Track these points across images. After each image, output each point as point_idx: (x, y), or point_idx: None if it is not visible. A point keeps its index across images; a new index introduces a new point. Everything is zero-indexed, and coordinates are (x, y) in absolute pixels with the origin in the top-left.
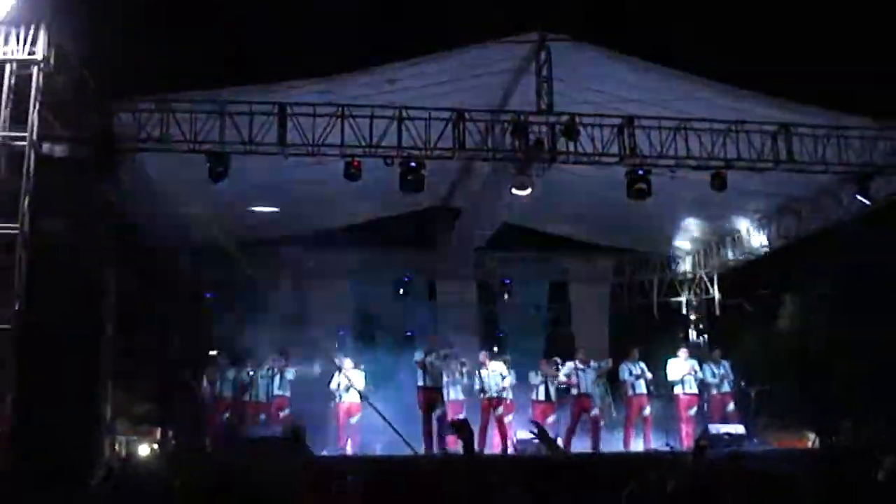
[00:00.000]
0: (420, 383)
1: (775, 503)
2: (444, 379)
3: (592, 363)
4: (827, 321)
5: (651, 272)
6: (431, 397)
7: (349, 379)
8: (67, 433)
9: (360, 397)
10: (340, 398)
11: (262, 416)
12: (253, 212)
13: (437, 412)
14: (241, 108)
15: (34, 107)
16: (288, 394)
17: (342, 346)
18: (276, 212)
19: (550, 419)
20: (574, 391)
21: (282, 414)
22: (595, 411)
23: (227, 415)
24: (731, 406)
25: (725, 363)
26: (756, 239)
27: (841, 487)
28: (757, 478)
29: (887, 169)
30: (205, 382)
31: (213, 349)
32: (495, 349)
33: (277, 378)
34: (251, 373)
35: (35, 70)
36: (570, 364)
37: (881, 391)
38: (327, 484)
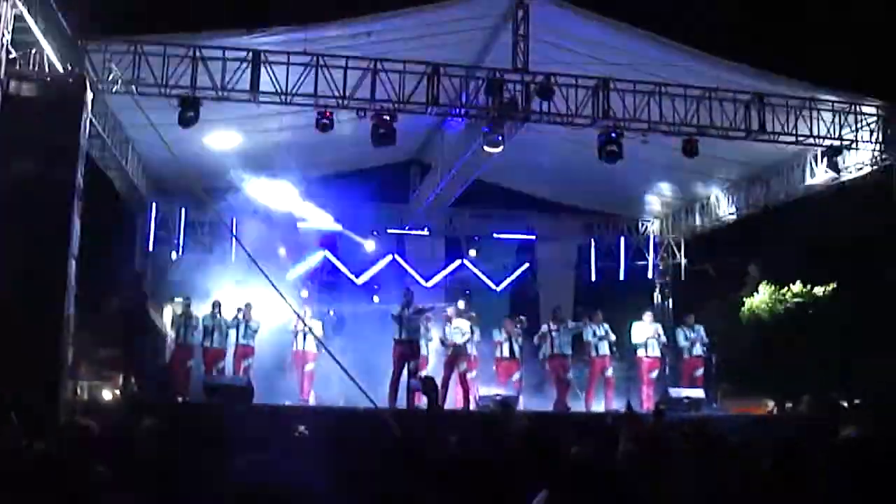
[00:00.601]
0: (396, 336)
1: (729, 467)
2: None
3: (570, 323)
4: (791, 292)
5: (619, 235)
6: (407, 350)
7: (306, 326)
8: (29, 376)
9: (317, 345)
10: (297, 345)
11: (222, 364)
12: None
13: (411, 365)
14: (214, 54)
15: (2, 44)
16: (252, 343)
17: (308, 296)
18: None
19: (515, 376)
20: (547, 351)
21: (244, 363)
22: (570, 374)
23: (190, 362)
24: (700, 371)
25: (699, 327)
26: (725, 206)
27: (796, 454)
28: (712, 442)
29: (856, 143)
30: (168, 327)
31: (176, 294)
32: (460, 304)
33: (242, 326)
34: (216, 317)
35: (5, 7)
36: (543, 326)
37: (845, 365)
38: (277, 434)
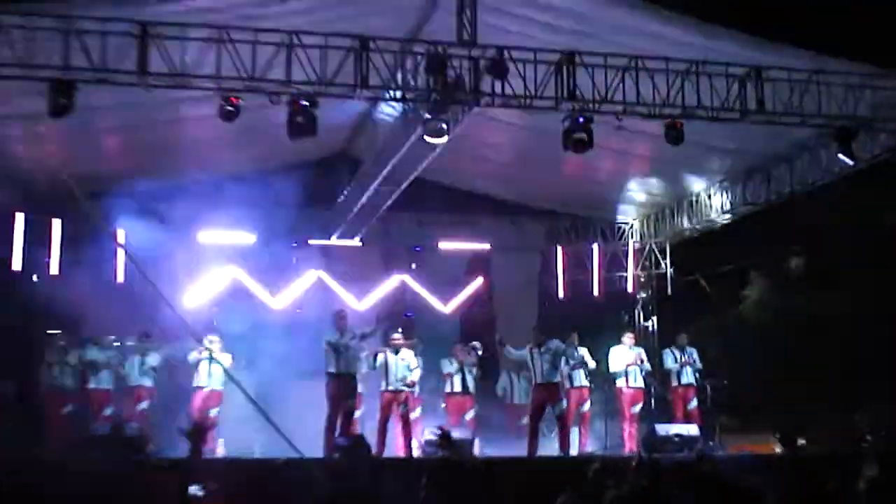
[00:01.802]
0: (331, 369)
1: None
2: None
3: (553, 343)
4: (799, 304)
5: (591, 242)
6: (343, 387)
7: (212, 359)
8: None
9: (224, 382)
10: (198, 382)
11: (110, 410)
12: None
13: (347, 404)
14: (91, 27)
15: None
16: (150, 383)
17: (214, 325)
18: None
19: (469, 415)
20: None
21: (139, 407)
22: (563, 405)
23: (68, 408)
24: (694, 403)
25: (692, 350)
26: (717, 205)
27: (814, 501)
28: (713, 488)
29: (875, 123)
30: (43, 369)
31: (51, 328)
32: (399, 332)
33: (136, 363)
34: (102, 352)
35: None
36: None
37: (861, 387)
38: (175, 492)
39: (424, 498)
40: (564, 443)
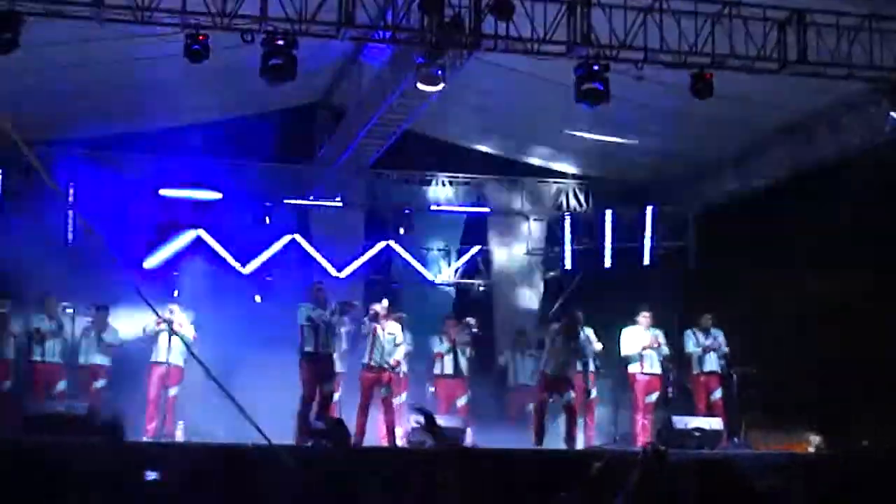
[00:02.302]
0: (308, 348)
1: None
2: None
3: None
4: (842, 281)
5: (603, 207)
6: (320, 368)
7: (172, 331)
8: None
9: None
10: (156, 357)
11: (62, 385)
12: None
13: (325, 387)
14: None
15: None
16: (107, 361)
17: (175, 292)
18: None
19: (461, 401)
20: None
21: (94, 386)
22: (571, 395)
23: (7, 382)
24: (718, 393)
25: (717, 332)
26: (750, 168)
27: None
28: (740, 491)
29: None
30: None
31: None
32: (384, 302)
33: (93, 338)
34: (52, 321)
35: None
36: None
37: None
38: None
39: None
40: (571, 434)
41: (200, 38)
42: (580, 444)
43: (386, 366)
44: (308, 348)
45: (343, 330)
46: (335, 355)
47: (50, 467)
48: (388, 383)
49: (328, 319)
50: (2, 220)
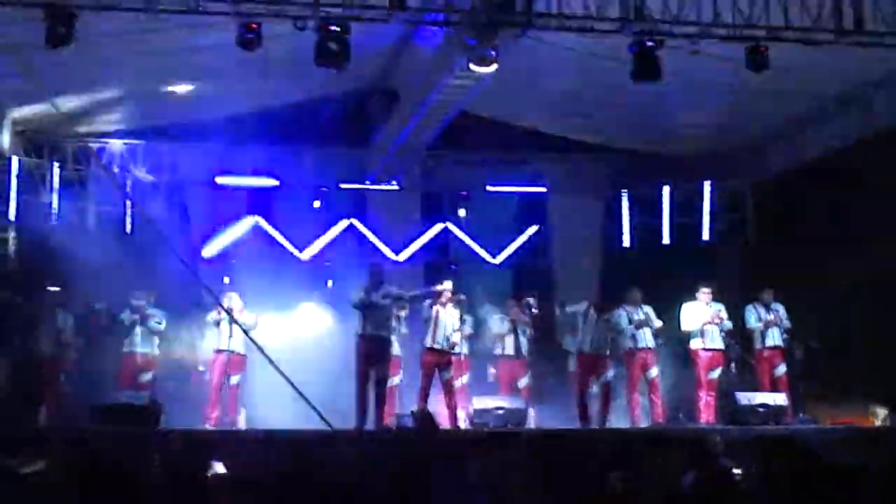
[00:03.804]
0: (359, 331)
1: (831, 497)
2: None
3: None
4: None
5: (661, 183)
6: (373, 350)
7: (233, 320)
8: None
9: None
10: (218, 346)
11: (148, 375)
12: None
13: (378, 371)
14: None
15: None
16: (155, 351)
17: (232, 280)
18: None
19: (522, 381)
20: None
21: (143, 378)
22: (609, 375)
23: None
24: (782, 368)
25: (779, 306)
26: (808, 140)
27: None
28: (808, 466)
29: None
30: (42, 329)
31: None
32: (446, 284)
33: (138, 326)
34: (129, 314)
35: None
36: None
37: None
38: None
39: (525, 473)
40: (604, 413)
41: (253, 26)
42: (646, 422)
43: (448, 348)
44: (360, 330)
45: (403, 313)
46: (393, 338)
47: (112, 457)
48: (450, 366)
49: (378, 302)
50: (60, 212)
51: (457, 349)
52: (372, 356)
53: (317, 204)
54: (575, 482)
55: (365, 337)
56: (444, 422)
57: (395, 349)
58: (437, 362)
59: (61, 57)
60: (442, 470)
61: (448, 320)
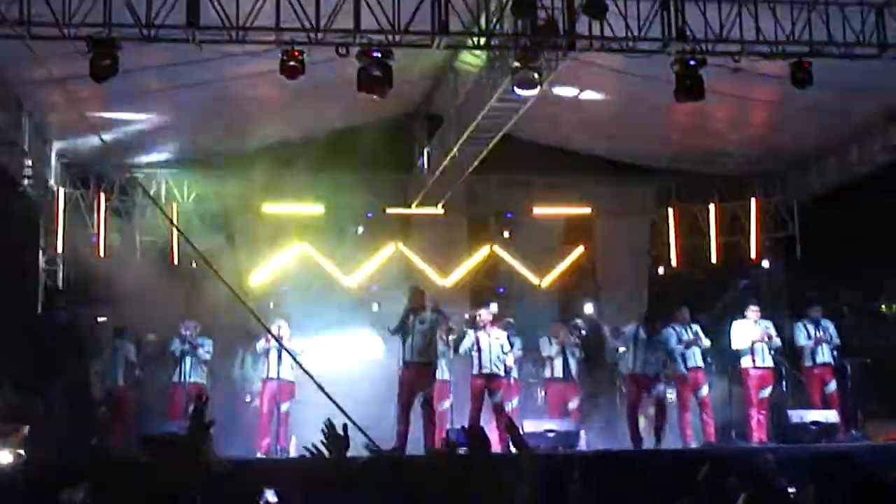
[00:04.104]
0: (402, 358)
1: None
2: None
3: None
4: None
5: (707, 202)
6: (415, 375)
7: (282, 347)
8: None
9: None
10: (267, 374)
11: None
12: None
13: (424, 393)
14: None
15: None
16: (203, 380)
17: (282, 308)
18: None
19: (573, 403)
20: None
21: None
22: (660, 388)
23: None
24: (833, 385)
25: (828, 323)
26: (855, 156)
27: None
28: (862, 484)
29: None
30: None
31: (99, 315)
32: (493, 307)
33: (188, 356)
34: (178, 344)
35: None
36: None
37: None
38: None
39: (577, 494)
40: (659, 429)
41: (296, 53)
42: (697, 443)
43: (495, 371)
44: (402, 357)
45: (451, 337)
46: (442, 362)
47: (161, 485)
48: (499, 389)
49: (416, 327)
50: (106, 242)
51: (509, 374)
52: (413, 383)
53: (360, 230)
54: None
55: (406, 364)
56: (497, 444)
57: (444, 373)
58: (485, 386)
59: (106, 89)
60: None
61: (492, 343)
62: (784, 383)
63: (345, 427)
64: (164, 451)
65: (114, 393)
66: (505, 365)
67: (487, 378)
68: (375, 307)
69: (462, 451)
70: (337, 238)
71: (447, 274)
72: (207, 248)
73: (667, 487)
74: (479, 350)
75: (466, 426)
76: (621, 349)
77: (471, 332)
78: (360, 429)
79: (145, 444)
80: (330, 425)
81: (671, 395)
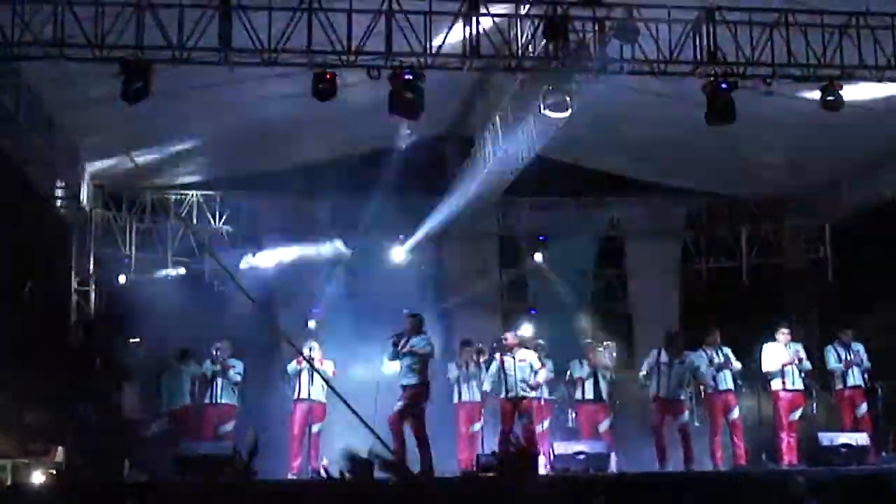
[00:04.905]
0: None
1: None
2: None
3: (690, 358)
4: None
5: (739, 224)
6: (411, 398)
7: (313, 369)
8: None
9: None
10: (298, 394)
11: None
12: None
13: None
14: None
15: None
16: (234, 401)
17: (314, 330)
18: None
19: (603, 426)
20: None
21: (224, 429)
22: (685, 417)
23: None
24: (864, 408)
25: (858, 346)
26: (885, 178)
27: None
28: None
29: None
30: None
31: (130, 333)
32: (525, 329)
33: (219, 378)
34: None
35: None
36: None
37: None
38: None
39: None
40: (688, 456)
41: (328, 75)
42: (728, 465)
43: (521, 394)
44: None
45: (482, 358)
46: (473, 383)
47: None
48: (527, 412)
49: (405, 351)
50: (138, 264)
51: (539, 395)
52: (411, 406)
53: (401, 255)
54: None
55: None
56: None
57: (475, 395)
58: (514, 409)
59: (138, 111)
60: None
61: (518, 366)
62: (815, 406)
63: (370, 451)
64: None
65: (178, 412)
66: (534, 386)
67: (515, 401)
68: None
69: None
70: (369, 259)
71: (479, 295)
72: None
73: None
74: (504, 374)
75: (497, 450)
76: (642, 374)
77: (497, 357)
78: (391, 450)
79: (181, 464)
80: (350, 457)
81: (697, 423)
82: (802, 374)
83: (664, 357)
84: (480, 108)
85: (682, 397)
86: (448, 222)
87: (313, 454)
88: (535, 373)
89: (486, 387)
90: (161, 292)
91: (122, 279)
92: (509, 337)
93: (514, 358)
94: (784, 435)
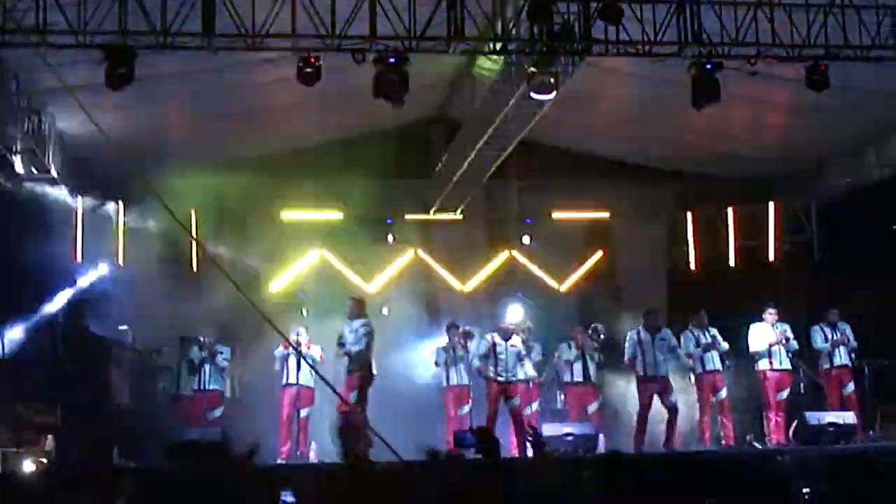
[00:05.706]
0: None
1: None
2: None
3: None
4: None
5: (726, 205)
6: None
7: (300, 354)
8: None
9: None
10: (286, 380)
11: (218, 412)
12: None
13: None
14: None
15: None
16: (221, 388)
17: (302, 314)
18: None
19: (592, 407)
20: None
21: (212, 415)
22: (673, 398)
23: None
24: (850, 387)
25: (845, 325)
26: (871, 159)
27: None
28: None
29: None
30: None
31: (119, 321)
32: (517, 311)
33: (207, 365)
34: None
35: None
36: (632, 333)
37: None
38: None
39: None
40: (671, 435)
41: (312, 60)
42: (716, 445)
43: (511, 378)
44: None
45: (472, 343)
46: (461, 367)
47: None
48: (515, 394)
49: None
50: (125, 254)
51: (529, 378)
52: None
53: (390, 237)
54: None
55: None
56: (512, 450)
57: (463, 378)
58: (502, 391)
59: (122, 97)
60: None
61: (509, 350)
62: (802, 385)
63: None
64: (201, 458)
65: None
66: (523, 369)
67: (504, 384)
68: (385, 311)
69: (471, 452)
70: (356, 244)
71: (466, 279)
72: (225, 254)
73: (685, 489)
74: (495, 356)
75: (475, 427)
76: (627, 360)
77: (487, 337)
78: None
79: (172, 450)
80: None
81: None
82: (789, 354)
83: (644, 335)
84: (466, 90)
85: (664, 373)
86: (435, 206)
87: (302, 438)
88: (524, 357)
89: (476, 363)
90: (148, 279)
91: (108, 266)
92: (506, 321)
93: (505, 342)
94: (772, 414)
